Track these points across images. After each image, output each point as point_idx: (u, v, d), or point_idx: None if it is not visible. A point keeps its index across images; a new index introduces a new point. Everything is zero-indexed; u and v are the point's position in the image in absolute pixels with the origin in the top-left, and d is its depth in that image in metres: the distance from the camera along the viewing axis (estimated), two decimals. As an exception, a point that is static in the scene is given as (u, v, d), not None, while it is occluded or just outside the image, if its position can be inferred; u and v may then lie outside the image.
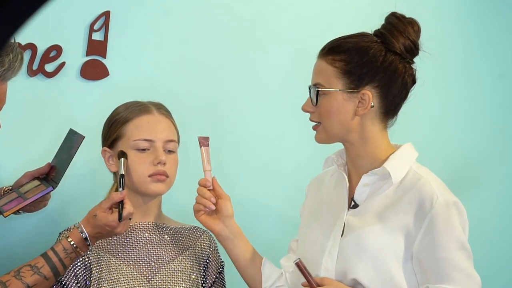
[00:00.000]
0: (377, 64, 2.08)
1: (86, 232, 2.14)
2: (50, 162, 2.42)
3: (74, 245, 2.13)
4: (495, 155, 3.22)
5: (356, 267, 2.07)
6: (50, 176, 2.38)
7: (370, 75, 2.08)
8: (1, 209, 2.28)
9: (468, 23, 3.19)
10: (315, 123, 2.16)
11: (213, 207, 2.29)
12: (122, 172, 2.24)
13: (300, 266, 2.09)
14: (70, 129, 2.39)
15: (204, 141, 2.31)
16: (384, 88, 2.09)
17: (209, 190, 2.31)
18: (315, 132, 2.17)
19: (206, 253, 2.42)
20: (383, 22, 2.15)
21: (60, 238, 2.28)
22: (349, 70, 2.08)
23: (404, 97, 2.14)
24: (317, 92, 2.11)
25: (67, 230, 2.34)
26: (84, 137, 2.30)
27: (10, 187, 2.42)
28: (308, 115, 2.19)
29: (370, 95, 2.08)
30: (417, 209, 2.03)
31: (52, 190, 2.33)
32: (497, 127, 3.24)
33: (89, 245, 2.15)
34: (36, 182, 2.38)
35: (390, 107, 2.12)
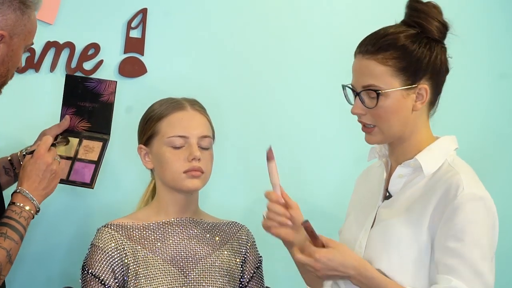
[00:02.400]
0: (427, 56, 2.05)
1: (21, 187, 2.13)
2: (66, 115, 2.37)
3: (17, 204, 2.11)
4: (495, 155, 3.19)
5: (381, 257, 2.05)
6: (76, 128, 2.35)
7: (424, 68, 2.05)
8: (78, 183, 2.27)
9: (468, 22, 3.15)
10: (369, 126, 2.10)
11: (290, 223, 2.17)
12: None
13: (307, 228, 2.04)
14: (68, 75, 2.37)
15: (271, 155, 2.17)
16: (436, 79, 2.08)
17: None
18: (365, 134, 2.11)
19: (244, 248, 2.42)
20: (404, 11, 2.11)
21: None
22: (403, 66, 2.04)
23: (444, 83, 2.13)
24: (378, 94, 2.04)
25: (105, 226, 2.36)
26: (116, 82, 2.31)
27: (26, 150, 2.32)
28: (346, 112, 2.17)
29: (427, 88, 2.06)
30: (441, 199, 2.00)
31: (108, 143, 2.33)
32: (497, 127, 3.19)
33: (33, 200, 2.13)
34: (72, 140, 2.34)
35: (436, 96, 2.11)
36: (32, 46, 2.24)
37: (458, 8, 3.12)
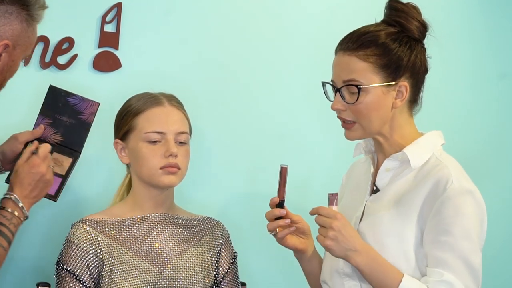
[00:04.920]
0: (407, 54, 2.09)
1: (13, 194, 2.12)
2: (41, 124, 2.36)
3: (9, 210, 2.11)
4: (494, 155, 3.21)
5: None
6: (48, 139, 2.33)
7: (404, 66, 2.08)
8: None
9: (468, 22, 3.17)
10: (348, 122, 2.12)
11: (288, 221, 2.16)
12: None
13: (282, 172, 2.13)
14: (52, 86, 2.35)
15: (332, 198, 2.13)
16: (416, 77, 2.11)
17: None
18: (345, 130, 2.13)
19: (219, 243, 2.43)
20: (383, 11, 2.15)
21: None
22: (384, 64, 2.07)
23: (423, 82, 2.15)
24: (359, 89, 2.06)
25: (79, 221, 2.36)
26: (99, 103, 2.30)
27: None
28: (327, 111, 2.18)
29: (407, 86, 2.09)
30: (430, 193, 2.03)
31: (78, 160, 2.32)
32: (497, 127, 3.21)
33: (23, 209, 2.12)
34: None
35: (417, 95, 2.14)
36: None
37: (458, 8, 3.14)
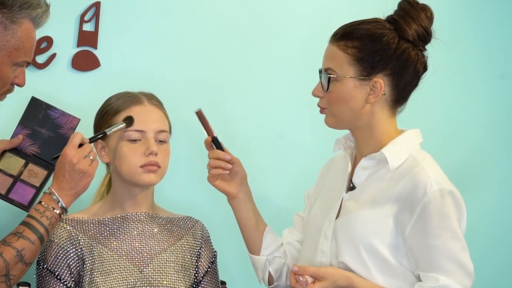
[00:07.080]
0: (390, 52, 2.09)
1: (51, 188, 2.15)
2: (19, 134, 2.33)
3: (43, 203, 2.14)
4: (494, 155, 3.23)
5: (345, 250, 2.09)
6: (25, 150, 2.32)
7: (383, 63, 2.09)
8: (16, 202, 2.25)
9: (468, 22, 3.18)
10: (321, 108, 2.17)
11: (230, 166, 2.31)
12: (108, 131, 2.29)
13: (200, 115, 2.26)
14: (34, 98, 2.33)
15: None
16: (396, 76, 2.10)
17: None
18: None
19: (199, 243, 2.43)
20: (396, 8, 2.15)
21: None
22: (361, 57, 2.08)
23: (415, 84, 2.15)
24: (329, 78, 2.11)
25: (60, 220, 2.34)
26: (79, 119, 2.30)
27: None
28: (313, 105, 2.20)
29: (382, 83, 2.09)
30: (409, 196, 2.03)
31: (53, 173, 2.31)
32: (496, 127, 3.23)
33: (59, 201, 2.15)
34: (18, 159, 2.31)
35: (401, 95, 2.13)
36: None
37: (457, 8, 3.15)
